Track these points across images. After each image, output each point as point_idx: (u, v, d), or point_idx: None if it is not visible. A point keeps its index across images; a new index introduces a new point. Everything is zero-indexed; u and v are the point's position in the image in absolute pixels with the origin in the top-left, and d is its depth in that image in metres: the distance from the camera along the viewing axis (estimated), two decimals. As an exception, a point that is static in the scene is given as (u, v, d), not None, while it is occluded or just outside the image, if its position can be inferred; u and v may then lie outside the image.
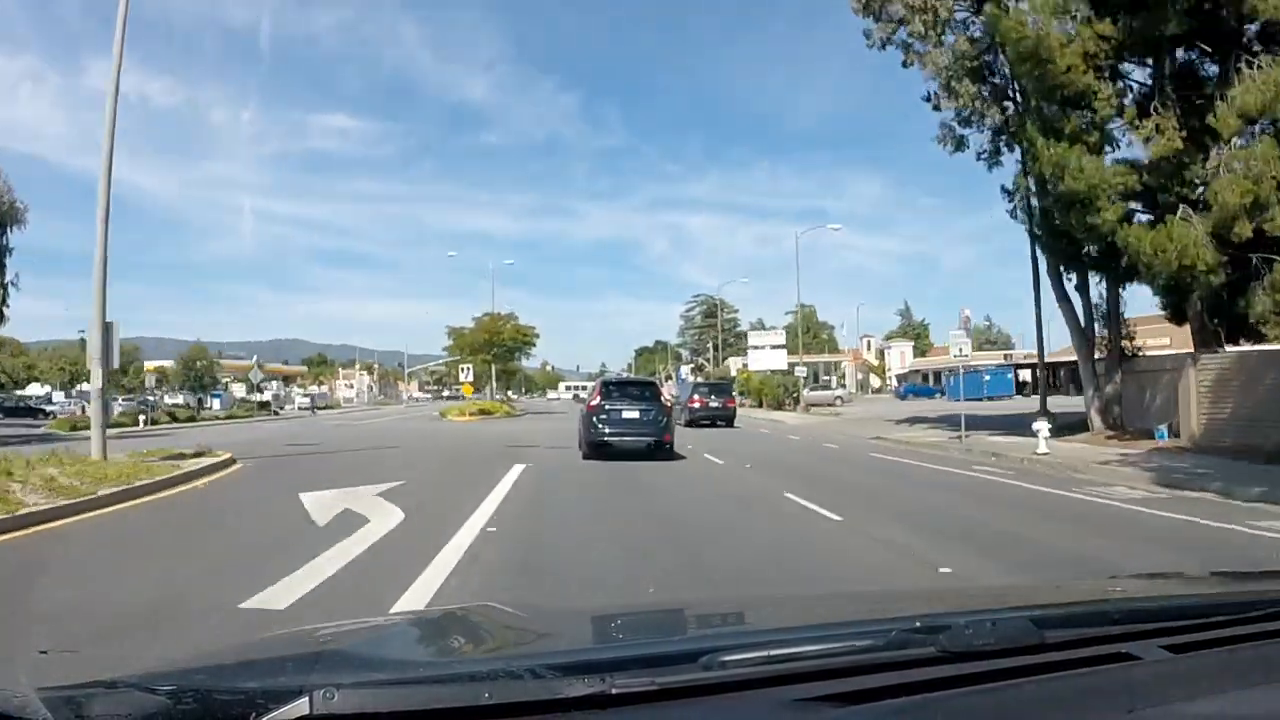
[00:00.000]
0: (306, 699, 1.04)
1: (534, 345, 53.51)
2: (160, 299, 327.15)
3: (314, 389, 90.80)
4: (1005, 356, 69.52)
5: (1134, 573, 4.45)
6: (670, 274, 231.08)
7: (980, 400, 48.03)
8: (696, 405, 31.79)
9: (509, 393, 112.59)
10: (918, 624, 1.42)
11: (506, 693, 1.10)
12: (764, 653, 1.25)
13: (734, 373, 62.41)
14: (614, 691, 1.11)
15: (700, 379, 51.57)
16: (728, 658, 1.22)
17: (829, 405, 51.19)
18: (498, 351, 52.07)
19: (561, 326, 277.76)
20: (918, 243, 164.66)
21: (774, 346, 56.43)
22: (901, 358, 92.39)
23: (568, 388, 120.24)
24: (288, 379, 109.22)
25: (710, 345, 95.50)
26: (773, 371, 52.96)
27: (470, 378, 47.57)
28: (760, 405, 52.00)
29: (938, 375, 71.17)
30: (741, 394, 52.23)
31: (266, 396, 64.27)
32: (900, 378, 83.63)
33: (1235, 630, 1.50)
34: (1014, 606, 1.84)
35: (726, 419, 31.70)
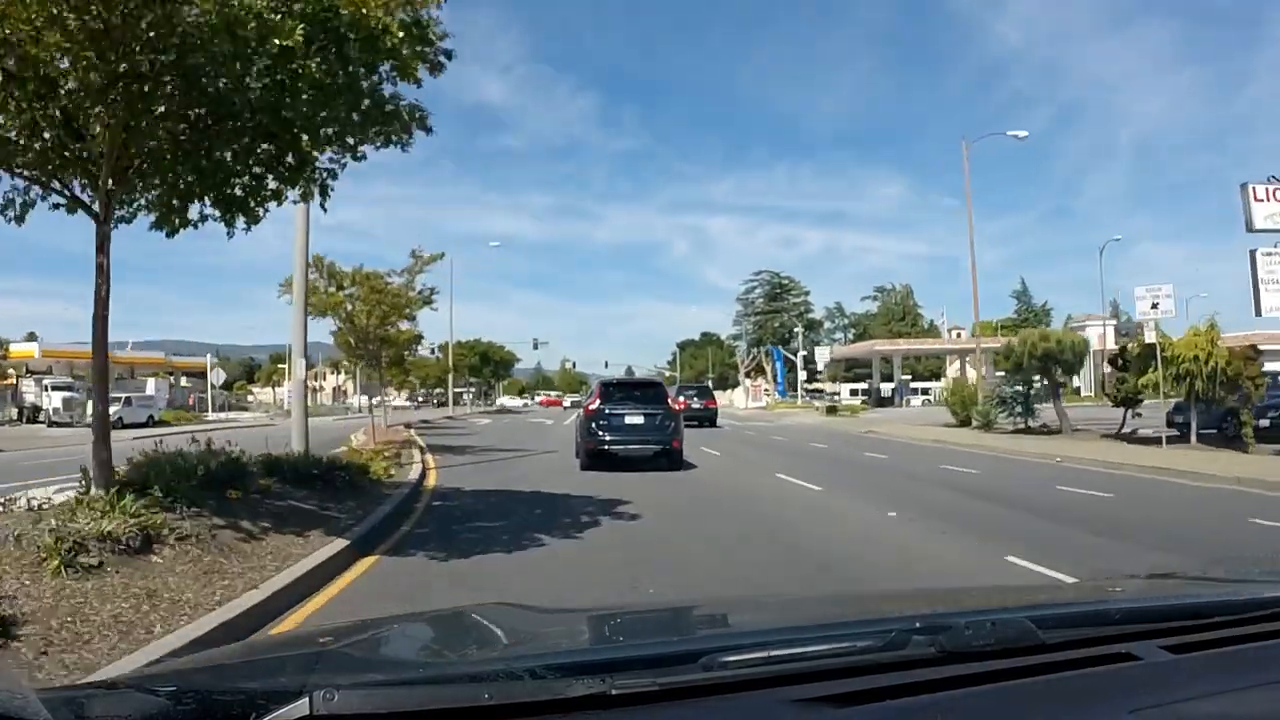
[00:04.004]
0: (307, 699, 1.03)
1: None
2: (183, 304, 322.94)
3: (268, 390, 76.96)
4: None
5: (1134, 573, 4.44)
6: (694, 276, 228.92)
7: None
8: (679, 407, 32.91)
9: (472, 400, 69.33)
10: (918, 624, 1.41)
11: (506, 693, 1.10)
12: (764, 653, 1.25)
13: (1142, 343, 18.82)
14: (614, 692, 1.11)
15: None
16: (728, 658, 1.21)
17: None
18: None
19: (585, 329, 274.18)
20: (936, 244, 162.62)
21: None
22: (1100, 341, 53.38)
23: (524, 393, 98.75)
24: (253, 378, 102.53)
25: (795, 329, 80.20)
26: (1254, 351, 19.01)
27: None
28: None
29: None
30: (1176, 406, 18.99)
31: (47, 399, 35.81)
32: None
33: (1235, 630, 1.49)
34: (1014, 607, 1.83)
35: (709, 419, 33.18)
